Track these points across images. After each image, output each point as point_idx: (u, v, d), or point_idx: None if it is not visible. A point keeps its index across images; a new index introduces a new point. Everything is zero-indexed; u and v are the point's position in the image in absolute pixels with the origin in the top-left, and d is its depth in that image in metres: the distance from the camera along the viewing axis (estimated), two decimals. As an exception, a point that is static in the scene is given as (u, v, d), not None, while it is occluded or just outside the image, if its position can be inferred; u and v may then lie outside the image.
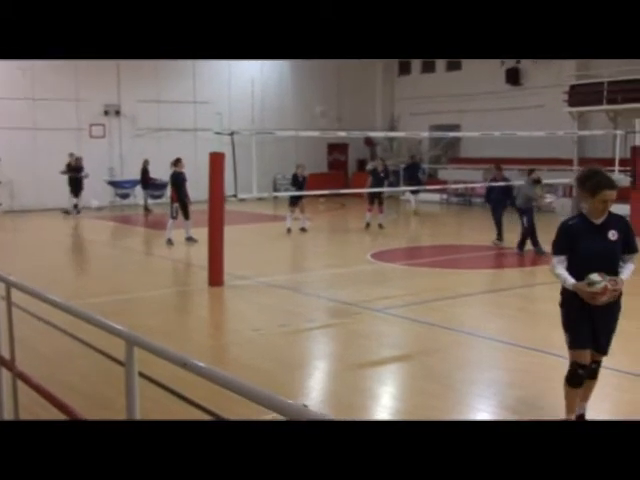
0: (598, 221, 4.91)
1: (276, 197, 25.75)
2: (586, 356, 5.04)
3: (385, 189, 18.85)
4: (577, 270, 4.87)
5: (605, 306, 4.87)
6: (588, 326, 4.98)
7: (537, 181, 14.72)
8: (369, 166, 20.50)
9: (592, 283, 4.76)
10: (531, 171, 14.62)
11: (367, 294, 10.44)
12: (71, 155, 23.34)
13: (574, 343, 5.04)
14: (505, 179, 15.51)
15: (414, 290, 10.93)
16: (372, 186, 18.11)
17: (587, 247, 4.87)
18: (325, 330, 8.79)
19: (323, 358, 7.78)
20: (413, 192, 22.36)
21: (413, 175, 25.10)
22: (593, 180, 4.83)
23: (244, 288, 11.12)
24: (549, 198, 16.82)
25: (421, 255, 14.71)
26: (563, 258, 4.96)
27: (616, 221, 4.98)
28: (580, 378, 5.09)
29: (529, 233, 14.09)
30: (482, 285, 11.66)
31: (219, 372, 2.42)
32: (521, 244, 14.23)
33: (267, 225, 20.27)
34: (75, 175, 23.04)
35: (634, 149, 16.42)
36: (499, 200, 15.26)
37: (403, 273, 12.63)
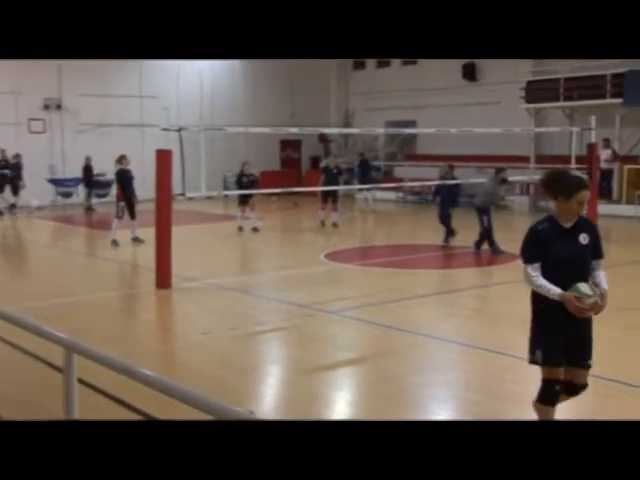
0: (568, 225, 4.78)
1: (226, 196, 25.61)
2: (561, 372, 4.89)
3: (339, 187, 18.89)
4: (547, 277, 4.73)
5: (583, 318, 4.78)
6: (563, 340, 4.82)
7: (504, 181, 14.90)
8: (322, 163, 20.53)
9: (582, 296, 4.63)
10: (500, 170, 14.72)
11: (321, 296, 10.44)
12: (1, 151, 22.85)
13: (548, 360, 4.85)
14: (454, 178, 15.63)
15: (369, 291, 10.98)
16: (325, 184, 18.15)
17: (558, 253, 4.72)
18: (277, 333, 8.76)
19: (275, 362, 7.75)
20: (367, 190, 22.51)
21: (366, 173, 25.25)
22: (565, 181, 4.75)
23: (193, 290, 11.03)
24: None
25: (376, 255, 14.78)
26: (537, 266, 4.75)
27: (585, 224, 4.87)
28: (556, 395, 4.92)
29: (488, 233, 14.24)
30: (438, 285, 11.77)
31: (163, 379, 2.39)
32: (479, 243, 14.38)
33: (217, 225, 20.14)
34: (7, 174, 22.55)
35: (590, 146, 16.77)
36: (445, 200, 15.33)
37: (357, 274, 12.66)
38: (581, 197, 4.71)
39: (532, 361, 4.95)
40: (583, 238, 4.79)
